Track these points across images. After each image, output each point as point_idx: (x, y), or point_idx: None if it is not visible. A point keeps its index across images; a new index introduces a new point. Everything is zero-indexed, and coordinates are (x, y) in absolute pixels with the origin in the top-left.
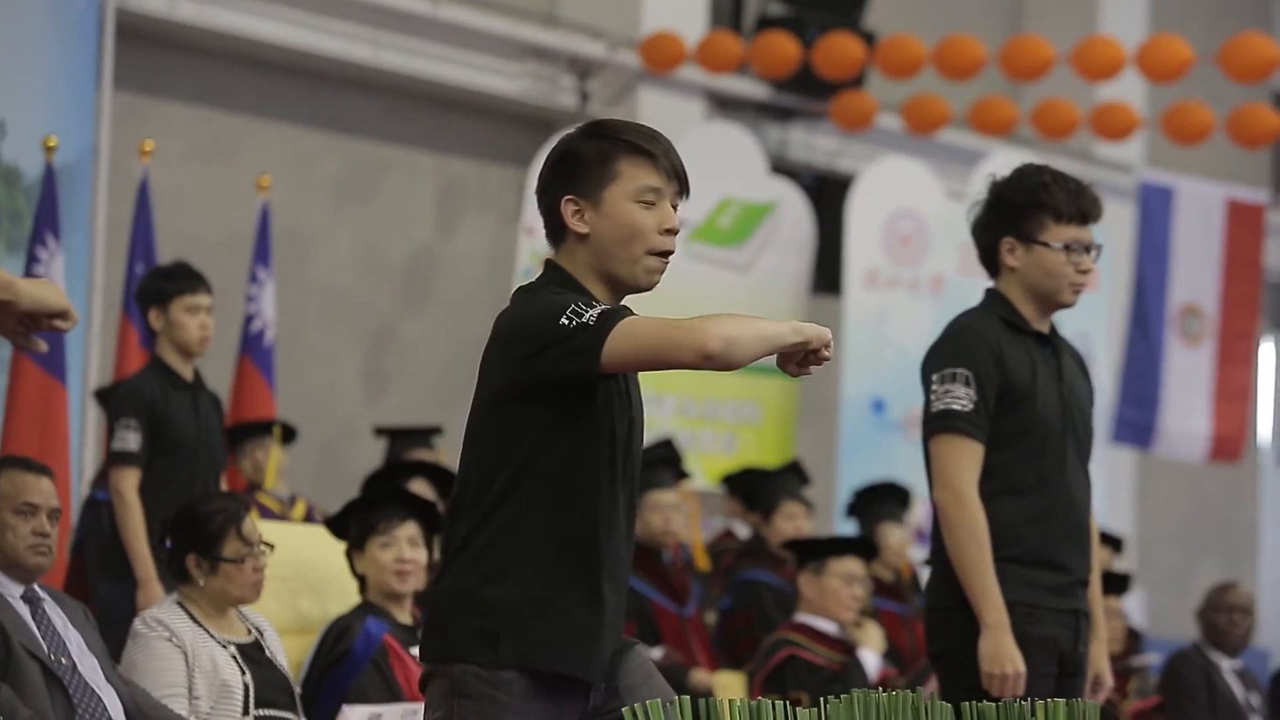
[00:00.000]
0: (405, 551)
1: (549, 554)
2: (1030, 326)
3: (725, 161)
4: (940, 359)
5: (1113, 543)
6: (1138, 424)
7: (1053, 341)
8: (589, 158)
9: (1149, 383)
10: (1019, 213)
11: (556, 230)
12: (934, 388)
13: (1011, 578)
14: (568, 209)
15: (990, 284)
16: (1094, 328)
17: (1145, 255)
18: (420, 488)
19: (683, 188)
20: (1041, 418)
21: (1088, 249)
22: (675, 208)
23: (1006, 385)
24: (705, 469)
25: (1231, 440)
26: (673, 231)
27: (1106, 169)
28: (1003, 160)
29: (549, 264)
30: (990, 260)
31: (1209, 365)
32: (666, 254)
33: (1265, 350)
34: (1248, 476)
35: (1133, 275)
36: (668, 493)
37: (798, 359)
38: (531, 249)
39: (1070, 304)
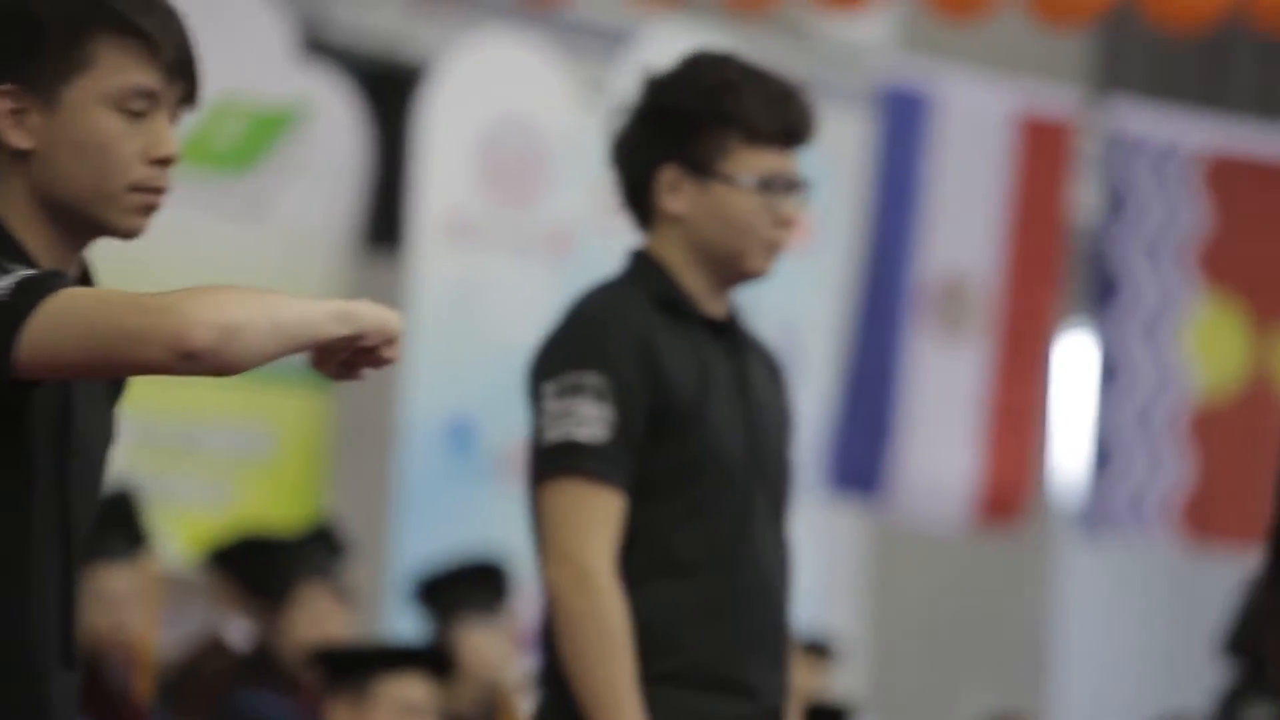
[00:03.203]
0: None
1: None
2: (700, 309)
3: (225, 40)
4: (558, 360)
5: (820, 652)
6: (863, 466)
7: (734, 334)
8: (49, 27)
9: (882, 400)
10: (688, 128)
11: None
12: (548, 405)
13: (665, 706)
14: (1, 106)
15: (638, 242)
16: (801, 312)
17: (885, 197)
18: None
19: (190, 91)
20: (715, 453)
21: (792, 188)
22: (175, 121)
23: (662, 402)
24: (180, 534)
25: (1009, 492)
26: (166, 161)
27: (829, 60)
28: (662, 43)
29: None
30: (641, 203)
31: (979, 373)
32: (156, 191)
33: (1064, 348)
34: (1036, 549)
35: (865, 230)
36: (119, 573)
37: (343, 357)
38: None
39: (761, 273)
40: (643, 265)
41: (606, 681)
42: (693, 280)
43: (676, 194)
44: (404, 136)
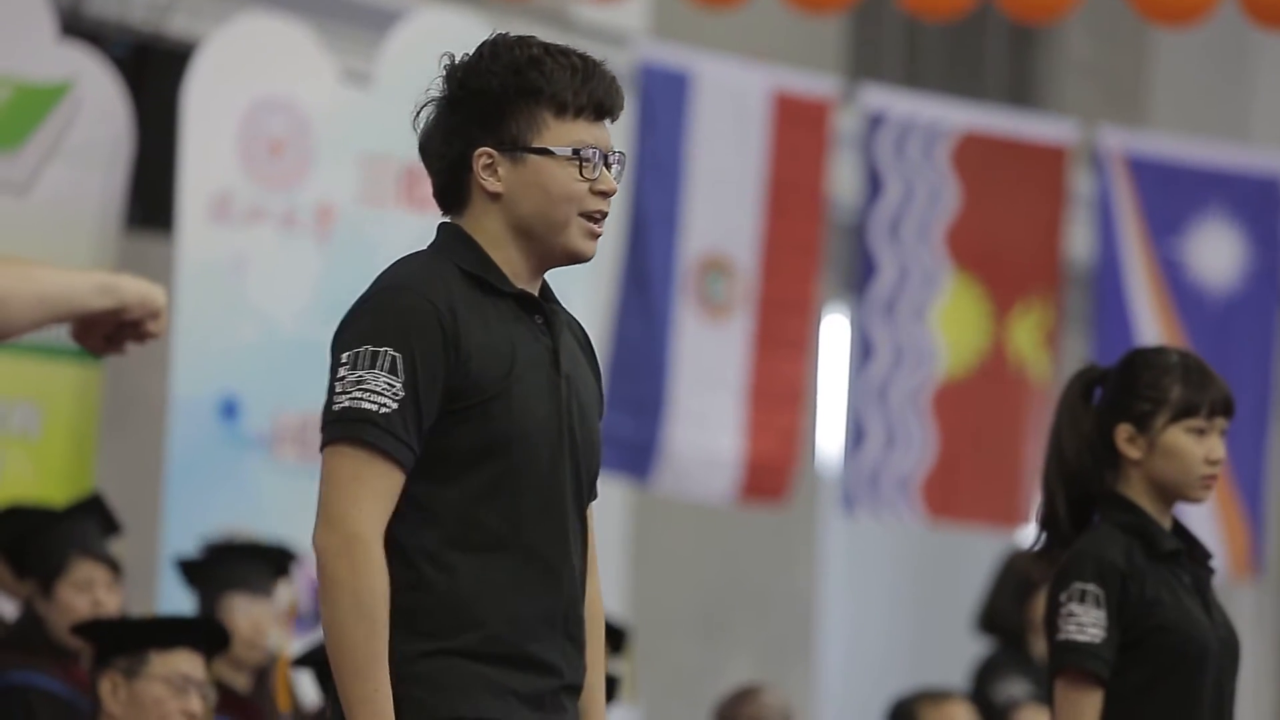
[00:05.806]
0: None
1: None
2: (511, 285)
3: None
4: (357, 329)
5: (612, 636)
6: (632, 442)
7: (546, 309)
8: None
9: (648, 378)
10: (498, 108)
11: None
12: (342, 372)
13: (465, 677)
14: None
15: (446, 219)
16: (566, 290)
17: (646, 177)
18: None
19: None
20: (521, 430)
21: (608, 160)
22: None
23: (464, 377)
24: None
25: (774, 468)
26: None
27: (591, 40)
28: (429, 24)
29: None
30: (456, 190)
31: (741, 351)
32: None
33: (827, 328)
34: (801, 525)
35: (628, 210)
36: None
37: (108, 330)
38: None
39: (584, 253)
40: (453, 238)
41: (356, 646)
42: (509, 253)
43: (494, 175)
44: (170, 116)
